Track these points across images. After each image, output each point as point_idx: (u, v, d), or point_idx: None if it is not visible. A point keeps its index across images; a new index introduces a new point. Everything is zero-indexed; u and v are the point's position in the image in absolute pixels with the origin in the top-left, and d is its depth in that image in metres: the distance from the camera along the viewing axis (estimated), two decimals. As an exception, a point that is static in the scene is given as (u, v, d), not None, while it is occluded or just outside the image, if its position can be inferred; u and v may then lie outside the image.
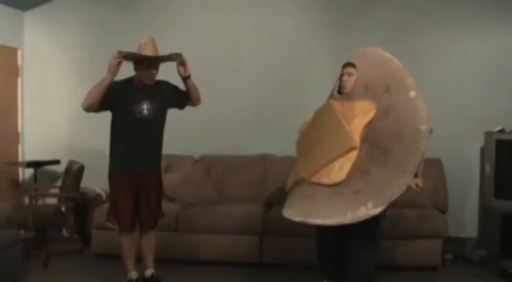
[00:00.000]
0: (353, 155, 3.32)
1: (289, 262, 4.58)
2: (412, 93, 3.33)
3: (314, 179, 3.46)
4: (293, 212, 3.44)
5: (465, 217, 5.25)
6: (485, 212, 5.06)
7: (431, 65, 5.29)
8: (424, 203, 4.77)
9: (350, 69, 3.58)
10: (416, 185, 3.46)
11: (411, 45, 5.28)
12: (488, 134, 4.86)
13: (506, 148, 4.65)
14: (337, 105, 3.54)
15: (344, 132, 3.37)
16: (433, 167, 4.94)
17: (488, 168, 4.76)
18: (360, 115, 3.39)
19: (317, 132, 3.71)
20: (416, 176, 3.38)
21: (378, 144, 3.31)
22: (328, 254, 3.71)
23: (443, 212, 4.84)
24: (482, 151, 5.12)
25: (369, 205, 3.13)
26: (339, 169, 3.34)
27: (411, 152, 3.20)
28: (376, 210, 3.13)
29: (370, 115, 3.37)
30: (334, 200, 3.28)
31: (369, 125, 3.36)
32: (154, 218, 4.01)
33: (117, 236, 3.99)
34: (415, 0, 5.35)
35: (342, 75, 3.61)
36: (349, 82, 3.55)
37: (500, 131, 4.80)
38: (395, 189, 3.14)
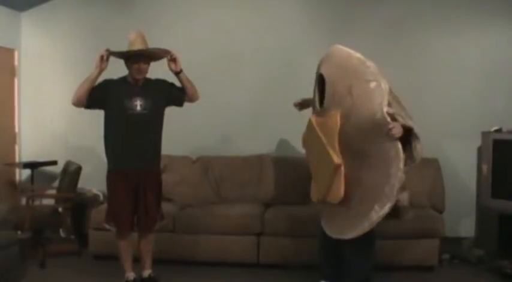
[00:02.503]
0: (341, 171, 3.38)
1: (287, 262, 4.57)
2: (372, 84, 3.26)
3: (328, 199, 3.56)
4: (330, 231, 3.60)
5: (462, 217, 5.25)
6: (482, 211, 5.06)
7: (428, 64, 5.29)
8: (421, 202, 4.78)
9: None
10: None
11: (408, 44, 5.30)
12: (485, 134, 4.86)
13: (503, 148, 4.66)
14: (316, 122, 3.62)
15: (326, 153, 3.44)
16: (430, 167, 4.96)
17: (485, 168, 4.77)
18: (330, 131, 3.43)
19: (311, 152, 3.82)
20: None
21: (353, 150, 3.34)
22: (328, 254, 3.73)
23: (440, 211, 4.85)
24: (479, 151, 5.12)
25: (376, 208, 3.19)
26: (337, 189, 3.41)
27: (381, 142, 3.18)
28: (386, 209, 3.17)
29: (337, 126, 3.39)
30: (350, 215, 3.37)
31: (340, 134, 3.39)
32: (152, 221, 3.97)
33: (114, 238, 3.99)
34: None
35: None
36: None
37: (497, 131, 4.80)
38: (392, 181, 3.14)
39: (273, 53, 5.53)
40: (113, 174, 3.91)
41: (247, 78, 5.56)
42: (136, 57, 3.78)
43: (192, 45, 5.35)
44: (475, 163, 5.23)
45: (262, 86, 5.53)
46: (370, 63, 3.34)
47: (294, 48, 5.50)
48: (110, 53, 3.76)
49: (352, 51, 3.46)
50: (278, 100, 5.48)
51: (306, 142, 3.91)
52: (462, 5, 5.27)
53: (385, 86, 3.24)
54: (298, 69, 5.45)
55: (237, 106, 5.55)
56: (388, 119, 3.16)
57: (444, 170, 5.05)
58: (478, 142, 5.07)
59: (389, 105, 3.24)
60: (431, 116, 5.21)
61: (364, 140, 3.27)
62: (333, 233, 3.56)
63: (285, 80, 5.49)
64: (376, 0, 5.40)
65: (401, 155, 3.14)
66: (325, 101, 3.55)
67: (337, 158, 3.37)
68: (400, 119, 3.24)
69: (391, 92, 3.33)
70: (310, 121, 3.69)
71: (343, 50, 3.53)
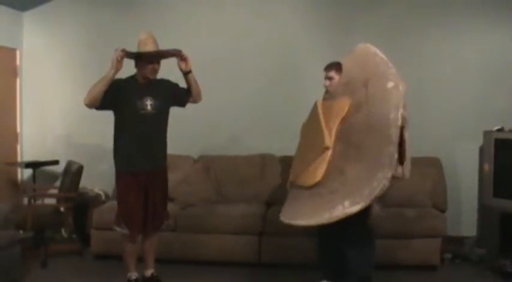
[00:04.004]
0: (327, 155, 3.33)
1: (288, 262, 4.58)
2: (390, 84, 3.23)
3: (298, 181, 3.54)
4: (283, 215, 3.51)
5: (464, 216, 5.25)
6: (484, 211, 5.06)
7: (429, 64, 5.28)
8: (423, 202, 4.78)
9: (329, 73, 3.63)
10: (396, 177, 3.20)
11: (409, 44, 5.29)
12: (487, 133, 4.85)
13: (505, 147, 4.65)
14: (322, 105, 3.59)
15: (320, 133, 3.39)
16: (432, 166, 4.96)
17: (487, 167, 4.76)
18: (335, 114, 3.39)
19: (305, 133, 3.77)
20: (401, 164, 3.21)
21: (350, 140, 3.29)
22: (328, 253, 3.73)
23: (442, 211, 4.84)
24: (481, 150, 5.11)
25: (346, 204, 3.09)
26: (314, 171, 3.35)
27: (383, 143, 3.12)
28: (355, 208, 3.08)
29: (344, 112, 3.36)
30: (314, 202, 3.30)
31: (343, 122, 3.35)
32: (160, 221, 3.97)
33: (122, 239, 3.94)
34: (414, 0, 5.36)
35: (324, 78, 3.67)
36: (330, 87, 3.62)
37: (499, 130, 4.79)
38: (374, 184, 3.06)
39: (275, 53, 5.52)
40: (123, 176, 3.87)
41: (249, 78, 5.56)
42: (151, 58, 3.78)
43: (193, 45, 5.30)
44: (476, 162, 5.22)
45: (264, 85, 5.53)
46: (392, 66, 3.32)
47: (296, 48, 5.49)
48: (125, 54, 3.72)
49: (379, 51, 3.44)
50: (279, 99, 5.50)
51: (303, 127, 3.88)
52: (463, 5, 5.26)
53: (402, 89, 3.19)
54: (300, 69, 5.46)
55: (238, 105, 5.55)
56: (399, 123, 3.10)
57: (446, 169, 5.05)
58: (480, 141, 5.06)
59: (404, 107, 3.18)
60: (433, 115, 5.21)
61: (367, 134, 3.21)
62: (286, 216, 3.45)
63: (286, 79, 5.49)
64: (377, 1, 5.40)
65: (395, 165, 3.09)
66: (337, 89, 3.53)
67: (328, 141, 3.33)
68: (407, 126, 3.20)
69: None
70: (315, 104, 3.67)
71: (371, 48, 3.50)
